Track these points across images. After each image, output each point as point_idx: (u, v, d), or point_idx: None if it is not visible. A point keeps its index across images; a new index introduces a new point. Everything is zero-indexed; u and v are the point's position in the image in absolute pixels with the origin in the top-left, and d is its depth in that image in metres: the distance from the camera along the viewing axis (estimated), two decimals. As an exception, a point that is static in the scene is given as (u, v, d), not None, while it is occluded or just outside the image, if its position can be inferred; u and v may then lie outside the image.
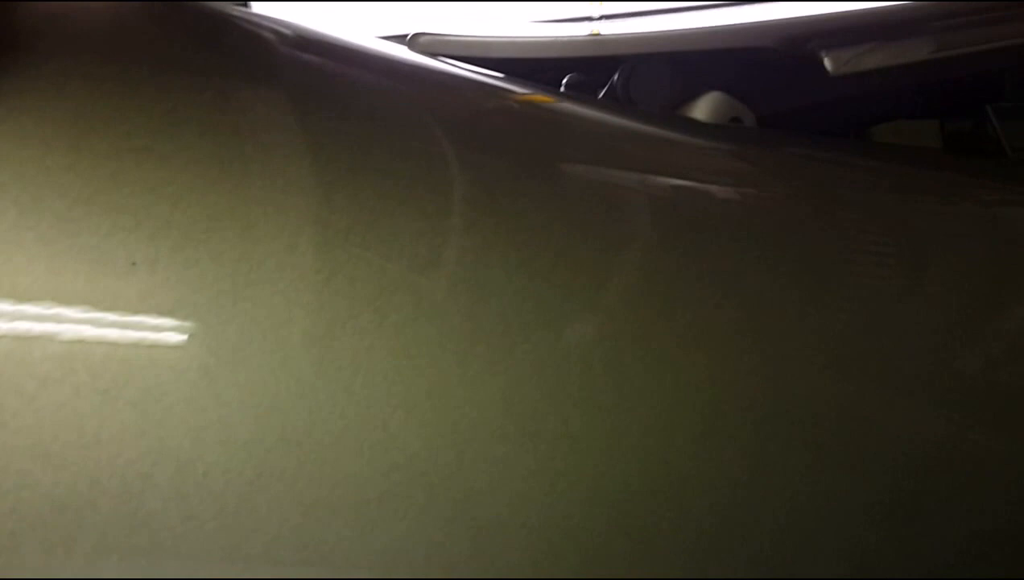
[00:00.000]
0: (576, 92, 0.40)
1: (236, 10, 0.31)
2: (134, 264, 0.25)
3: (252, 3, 0.54)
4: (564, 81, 0.41)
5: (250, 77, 0.28)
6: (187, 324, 0.25)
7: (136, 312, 0.25)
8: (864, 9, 0.40)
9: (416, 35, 0.37)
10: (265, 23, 0.31)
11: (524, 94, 0.35)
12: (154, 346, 0.25)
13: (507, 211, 0.28)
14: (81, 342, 0.25)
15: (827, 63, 0.38)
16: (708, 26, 0.37)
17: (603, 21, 0.40)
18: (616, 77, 0.41)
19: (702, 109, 0.40)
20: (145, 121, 0.26)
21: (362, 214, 0.27)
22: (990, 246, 0.39)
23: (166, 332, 0.25)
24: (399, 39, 0.38)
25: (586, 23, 0.40)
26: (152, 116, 0.26)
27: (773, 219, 0.34)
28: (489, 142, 0.30)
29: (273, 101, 0.28)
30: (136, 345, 0.25)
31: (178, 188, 0.26)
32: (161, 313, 0.25)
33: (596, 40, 0.37)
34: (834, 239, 0.35)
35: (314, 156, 0.27)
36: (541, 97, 0.35)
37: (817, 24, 0.39)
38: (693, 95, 0.41)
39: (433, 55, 0.36)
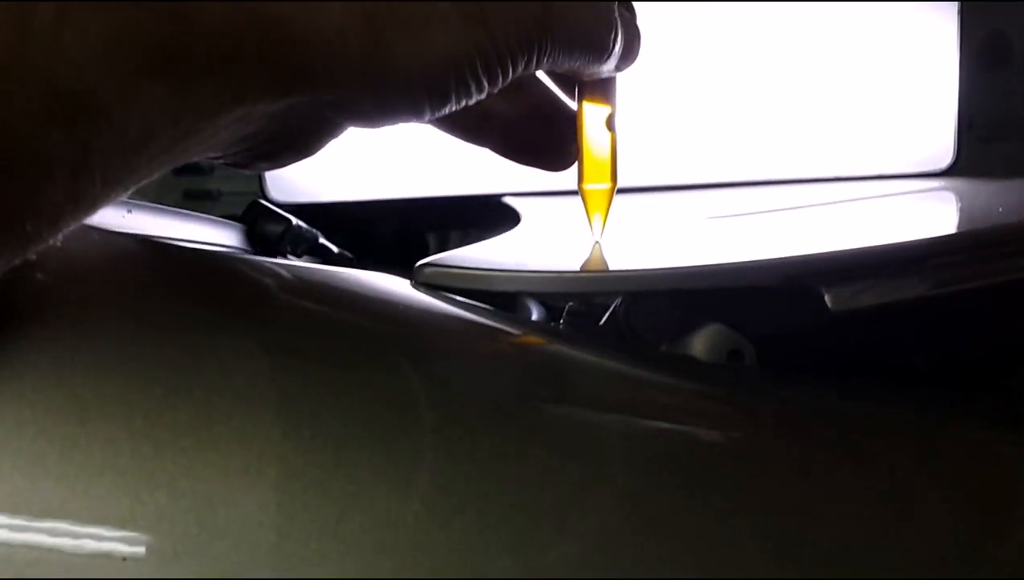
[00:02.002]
0: (576, 321, 0.41)
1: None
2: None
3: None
4: (566, 309, 0.42)
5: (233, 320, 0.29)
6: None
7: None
8: (865, 247, 0.41)
9: (421, 266, 0.38)
10: (258, 266, 0.33)
11: (518, 335, 0.35)
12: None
13: (485, 457, 0.28)
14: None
15: (828, 300, 0.39)
16: (711, 265, 0.38)
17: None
18: (616, 306, 0.41)
19: (701, 341, 0.41)
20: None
21: (331, 458, 0.27)
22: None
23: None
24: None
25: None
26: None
27: (762, 469, 0.34)
28: (472, 387, 0.31)
29: (259, 348, 0.29)
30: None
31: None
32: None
33: (601, 277, 0.38)
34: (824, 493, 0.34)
35: (284, 398, 0.28)
36: (534, 338, 0.36)
37: (817, 263, 0.39)
38: (693, 326, 0.41)
39: (435, 287, 0.37)
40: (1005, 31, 0.75)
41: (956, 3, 0.67)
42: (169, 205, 0.49)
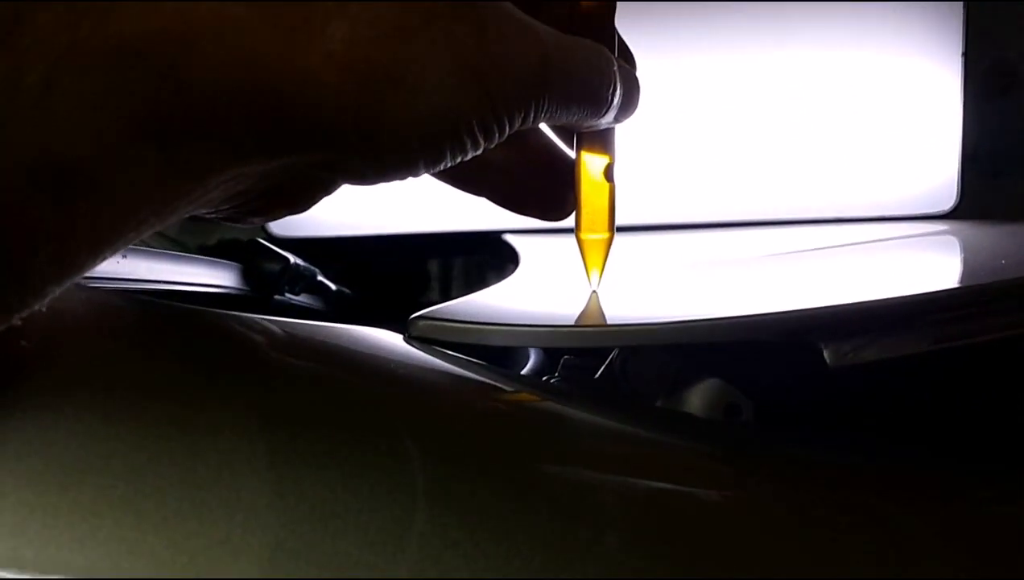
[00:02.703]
0: (572, 373, 0.41)
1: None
2: None
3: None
4: (561, 362, 0.41)
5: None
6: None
7: None
8: (865, 302, 0.40)
9: (415, 319, 0.37)
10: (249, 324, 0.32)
11: (511, 393, 0.35)
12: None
13: (477, 525, 0.28)
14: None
15: (827, 356, 0.38)
16: (708, 319, 0.38)
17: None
18: (613, 358, 0.41)
19: (699, 395, 0.40)
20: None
21: (318, 528, 0.27)
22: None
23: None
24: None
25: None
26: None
27: (759, 528, 0.33)
28: (465, 451, 0.30)
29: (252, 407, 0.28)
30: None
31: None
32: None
33: (597, 332, 0.37)
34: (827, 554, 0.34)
35: (271, 465, 0.27)
36: (527, 396, 0.36)
37: (817, 318, 0.39)
38: (690, 380, 0.41)
39: (429, 341, 0.37)
40: (1009, 58, 0.75)
41: (959, 33, 0.67)
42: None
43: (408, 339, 0.37)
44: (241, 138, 0.25)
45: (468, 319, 0.38)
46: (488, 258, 0.71)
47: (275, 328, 0.33)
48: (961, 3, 0.66)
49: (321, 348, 0.34)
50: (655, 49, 0.68)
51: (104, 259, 0.26)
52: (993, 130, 0.70)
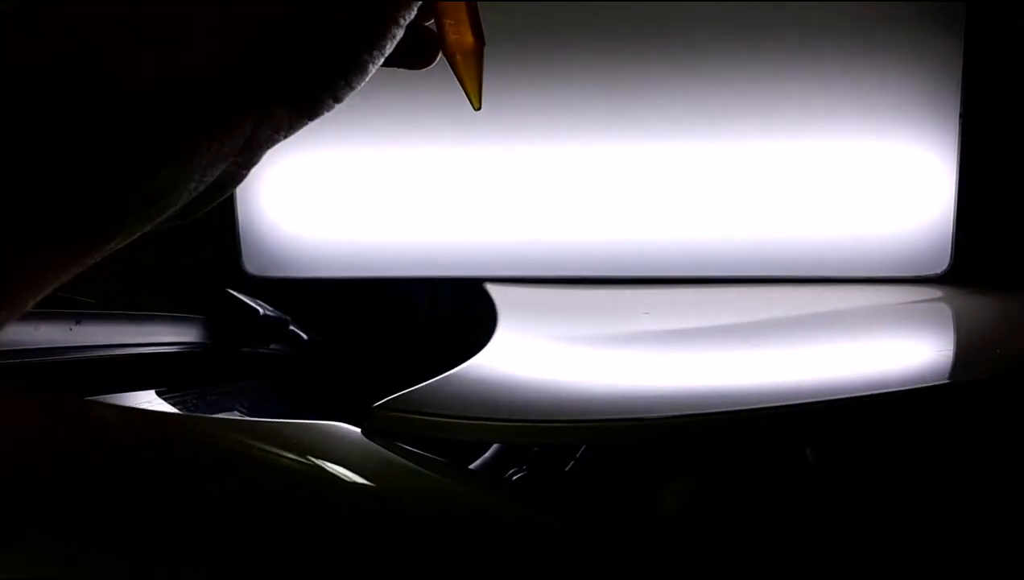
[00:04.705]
0: (541, 466, 0.39)
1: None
2: None
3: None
4: (530, 453, 0.39)
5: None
6: None
7: None
8: (845, 399, 0.39)
9: (379, 408, 0.36)
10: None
11: (468, 497, 0.33)
12: None
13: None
14: None
15: (808, 455, 0.37)
16: (680, 415, 0.36)
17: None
18: (582, 454, 0.39)
19: (671, 494, 0.39)
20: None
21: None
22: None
23: None
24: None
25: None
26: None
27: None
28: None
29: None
30: None
31: None
32: None
33: (564, 427, 0.35)
34: None
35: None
36: (481, 498, 0.34)
37: (794, 418, 0.37)
38: (662, 477, 0.39)
39: (390, 434, 0.35)
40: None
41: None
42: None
43: (367, 432, 0.35)
44: None
45: (431, 411, 0.36)
46: (469, 304, 0.69)
47: (224, 431, 0.31)
48: (960, 63, 0.64)
49: (267, 457, 0.32)
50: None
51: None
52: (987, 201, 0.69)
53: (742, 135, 0.67)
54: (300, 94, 0.28)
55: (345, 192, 0.69)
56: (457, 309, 0.72)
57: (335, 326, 0.70)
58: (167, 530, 0.27)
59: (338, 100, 0.29)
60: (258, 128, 0.27)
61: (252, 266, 0.68)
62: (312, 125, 0.30)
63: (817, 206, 0.67)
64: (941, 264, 0.66)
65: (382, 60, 0.30)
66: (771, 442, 0.38)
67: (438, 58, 0.36)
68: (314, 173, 0.69)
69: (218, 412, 0.48)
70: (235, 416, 0.49)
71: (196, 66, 0.25)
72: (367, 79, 0.29)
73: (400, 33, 0.30)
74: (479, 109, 0.36)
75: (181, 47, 0.25)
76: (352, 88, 0.29)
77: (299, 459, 0.33)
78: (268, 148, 0.29)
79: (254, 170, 0.30)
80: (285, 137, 0.29)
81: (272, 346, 0.57)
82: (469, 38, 0.36)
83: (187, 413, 0.32)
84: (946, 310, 0.61)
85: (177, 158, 0.26)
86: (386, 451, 0.34)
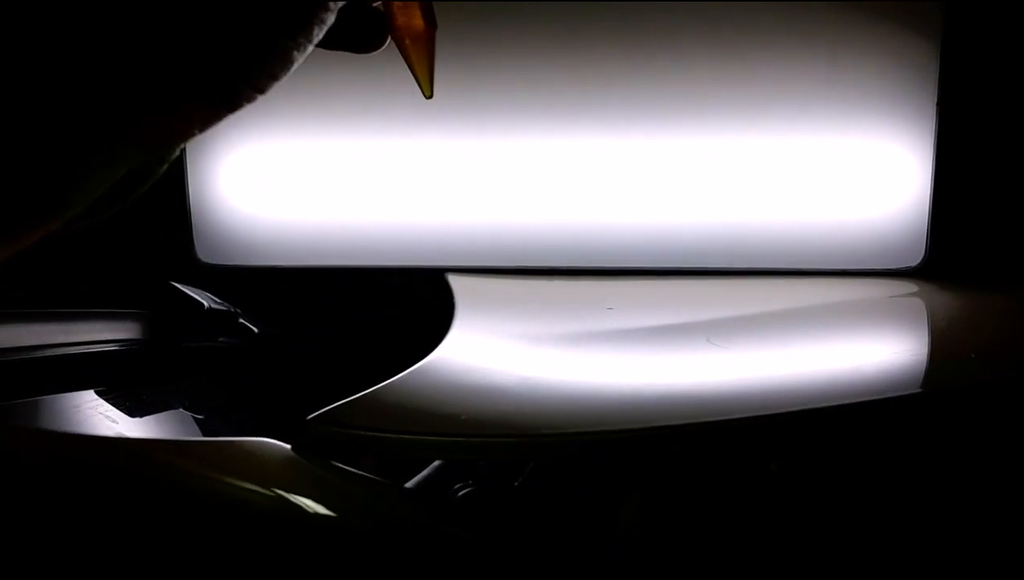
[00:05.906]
0: (488, 484, 0.37)
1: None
2: None
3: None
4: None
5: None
6: None
7: None
8: (813, 411, 0.37)
9: (313, 420, 0.34)
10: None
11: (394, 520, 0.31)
12: None
13: None
14: None
15: (774, 467, 0.35)
16: (631, 428, 0.34)
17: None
18: (529, 470, 0.37)
19: (626, 509, 0.37)
20: None
21: None
22: None
23: None
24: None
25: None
26: None
27: None
28: None
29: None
30: None
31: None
32: None
33: (507, 443, 0.33)
34: None
35: None
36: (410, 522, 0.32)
37: (760, 431, 0.36)
38: (614, 492, 0.37)
39: (323, 450, 0.33)
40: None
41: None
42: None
43: (297, 448, 0.33)
44: None
45: (369, 425, 0.34)
46: (428, 295, 0.67)
47: (148, 452, 0.29)
48: (937, 56, 0.62)
49: (184, 484, 0.29)
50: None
51: None
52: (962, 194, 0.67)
53: (715, 127, 0.65)
54: (214, 87, 0.26)
55: (305, 178, 0.66)
56: (419, 300, 0.69)
57: (291, 316, 0.67)
58: (74, 561, 0.25)
59: (261, 91, 0.27)
60: (170, 124, 0.26)
61: (204, 253, 0.66)
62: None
63: (792, 198, 0.65)
64: (916, 257, 0.64)
65: (310, 47, 0.27)
66: (733, 455, 0.36)
67: (387, 43, 0.33)
68: (274, 158, 0.66)
69: (159, 411, 0.46)
70: (176, 415, 0.47)
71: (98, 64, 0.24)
72: (294, 67, 0.27)
73: (330, 18, 0.28)
74: (431, 97, 0.34)
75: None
76: (276, 78, 0.27)
77: (222, 480, 0.30)
78: (184, 142, 0.27)
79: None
80: (202, 131, 0.27)
81: (220, 339, 0.54)
82: (419, 22, 0.33)
83: (97, 434, 0.30)
84: (920, 306, 0.59)
85: (80, 161, 0.25)
86: (317, 469, 0.32)
